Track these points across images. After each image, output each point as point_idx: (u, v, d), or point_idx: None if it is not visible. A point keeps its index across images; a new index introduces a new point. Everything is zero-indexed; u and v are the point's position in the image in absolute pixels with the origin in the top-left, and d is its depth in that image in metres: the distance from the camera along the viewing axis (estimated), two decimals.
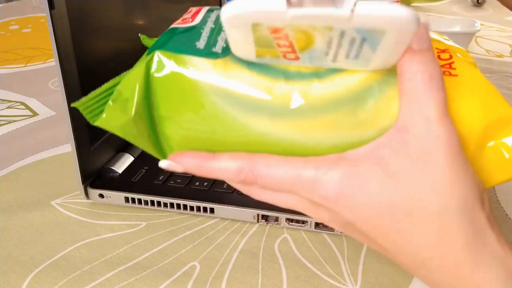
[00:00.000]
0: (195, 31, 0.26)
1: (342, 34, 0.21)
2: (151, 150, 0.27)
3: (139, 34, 0.31)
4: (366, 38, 0.21)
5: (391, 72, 0.24)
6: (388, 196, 0.22)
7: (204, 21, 0.28)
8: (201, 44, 0.25)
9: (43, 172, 0.52)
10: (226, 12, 0.21)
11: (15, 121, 0.65)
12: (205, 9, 0.29)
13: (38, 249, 0.41)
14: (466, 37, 0.90)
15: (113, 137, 0.49)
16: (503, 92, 0.73)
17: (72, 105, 0.23)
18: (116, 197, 0.45)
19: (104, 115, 0.24)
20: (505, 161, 0.26)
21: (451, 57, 0.27)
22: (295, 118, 0.24)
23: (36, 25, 1.12)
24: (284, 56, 0.24)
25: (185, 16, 0.29)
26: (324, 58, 0.25)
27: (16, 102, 0.71)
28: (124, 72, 0.25)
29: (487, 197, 0.24)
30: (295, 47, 0.25)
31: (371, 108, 0.24)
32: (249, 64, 0.24)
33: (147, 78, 0.25)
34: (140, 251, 0.40)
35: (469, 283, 0.23)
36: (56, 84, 0.78)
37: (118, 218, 0.44)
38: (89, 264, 0.39)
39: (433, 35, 0.29)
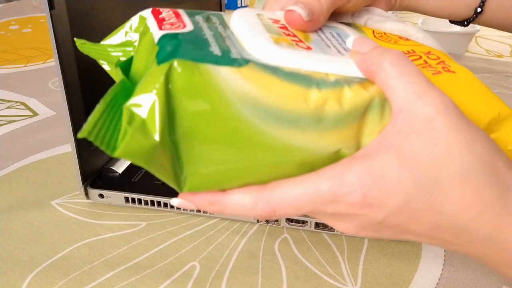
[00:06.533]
0: (197, 37, 0.23)
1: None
2: (171, 180, 0.23)
3: (74, 38, 0.25)
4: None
5: None
6: (411, 178, 0.22)
7: (196, 25, 0.24)
8: (216, 50, 0.22)
9: (43, 172, 0.52)
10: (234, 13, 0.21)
11: (15, 121, 0.65)
12: (182, 12, 0.26)
13: (38, 249, 0.41)
14: (466, 37, 0.90)
15: None
16: (503, 92, 0.72)
17: (79, 136, 0.19)
18: (116, 197, 0.45)
19: (124, 142, 0.20)
20: (509, 152, 0.27)
21: (438, 57, 0.28)
22: (333, 126, 0.23)
23: (36, 25, 1.12)
24: (297, 45, 0.24)
25: (170, 21, 0.25)
26: (330, 50, 0.25)
27: (16, 102, 0.71)
28: (114, 85, 0.21)
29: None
30: (299, 37, 0.26)
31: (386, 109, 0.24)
32: (274, 70, 0.22)
33: (167, 93, 0.20)
34: (140, 251, 0.40)
35: None
36: (56, 84, 0.78)
37: (118, 218, 0.44)
38: (89, 264, 0.39)
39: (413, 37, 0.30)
